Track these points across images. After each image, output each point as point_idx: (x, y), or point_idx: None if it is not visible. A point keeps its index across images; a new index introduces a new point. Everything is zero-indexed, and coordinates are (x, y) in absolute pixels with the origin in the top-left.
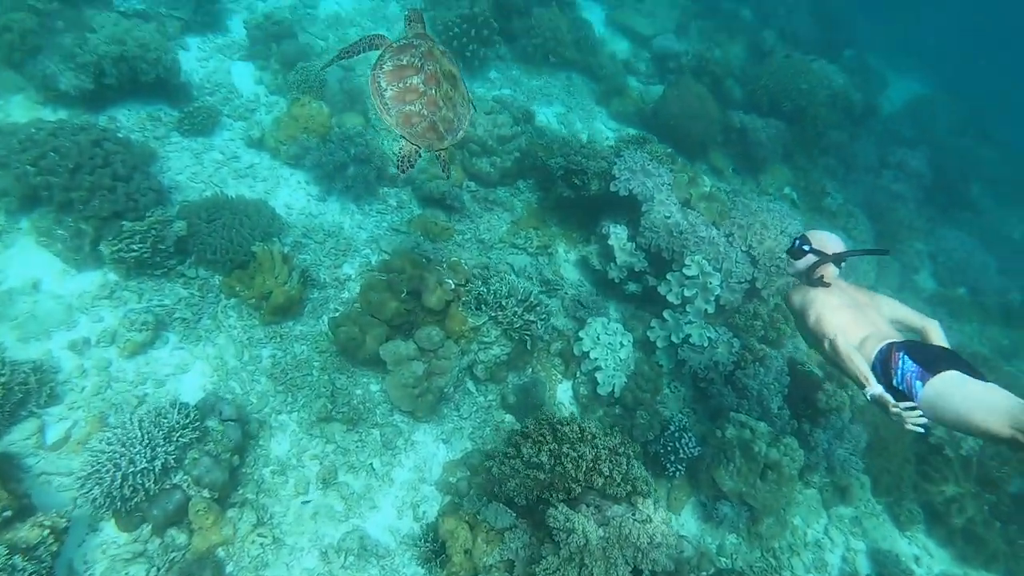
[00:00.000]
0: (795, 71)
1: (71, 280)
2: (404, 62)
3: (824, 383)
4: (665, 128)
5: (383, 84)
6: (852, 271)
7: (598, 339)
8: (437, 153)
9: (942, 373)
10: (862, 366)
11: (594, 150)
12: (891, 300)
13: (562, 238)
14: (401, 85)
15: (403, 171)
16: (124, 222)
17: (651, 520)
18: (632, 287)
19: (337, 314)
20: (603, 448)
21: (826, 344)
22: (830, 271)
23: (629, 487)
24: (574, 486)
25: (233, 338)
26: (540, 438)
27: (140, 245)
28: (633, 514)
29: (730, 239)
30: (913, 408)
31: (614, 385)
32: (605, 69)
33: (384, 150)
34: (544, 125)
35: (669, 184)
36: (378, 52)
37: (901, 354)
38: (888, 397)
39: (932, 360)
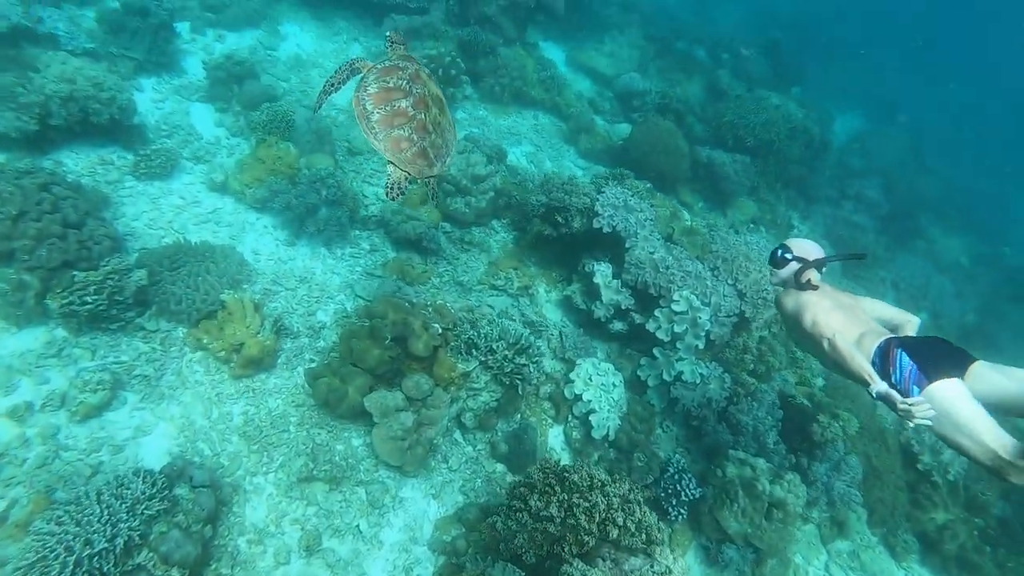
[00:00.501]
0: (757, 106)
1: (11, 339)
2: (391, 84)
3: (818, 415)
4: (635, 164)
5: (369, 107)
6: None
7: (590, 380)
8: (427, 180)
9: (939, 382)
10: (865, 364)
11: (575, 186)
12: (872, 300)
13: (541, 278)
14: (388, 108)
15: (392, 198)
16: (75, 272)
17: (671, 571)
18: (618, 325)
19: (314, 364)
20: (614, 496)
21: (825, 345)
22: (815, 276)
23: (644, 536)
24: (587, 538)
25: (200, 395)
26: (548, 488)
27: (95, 297)
28: (652, 566)
29: (715, 273)
30: (921, 402)
31: (608, 427)
32: (572, 108)
33: (356, 191)
34: (515, 164)
35: (651, 219)
36: (360, 75)
37: (899, 351)
38: (895, 394)
39: (930, 361)
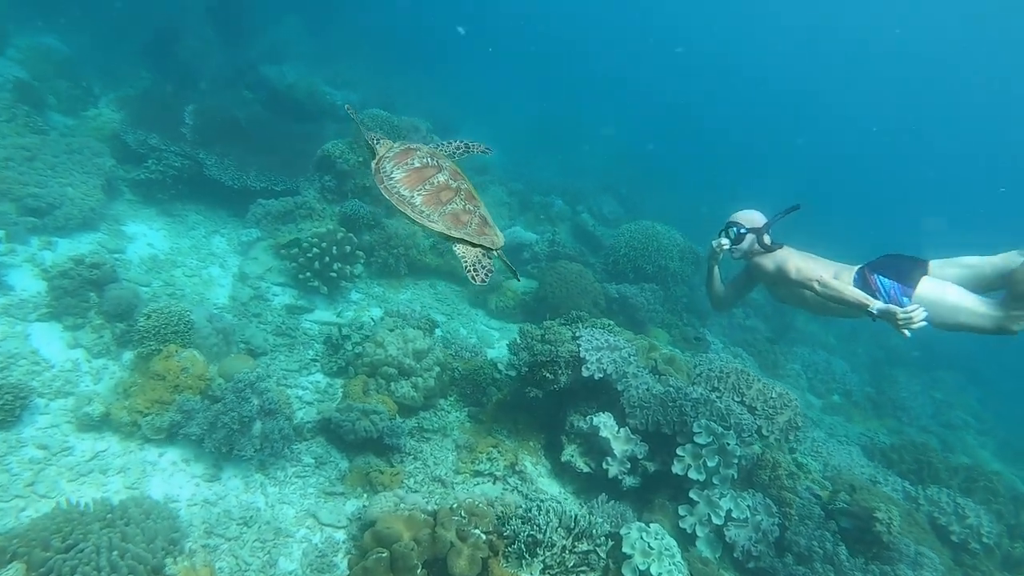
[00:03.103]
0: (646, 236)
1: None
2: (416, 164)
3: (875, 511)
4: (554, 311)
5: (405, 192)
6: None
7: (649, 548)
8: (497, 254)
9: (918, 285)
10: (857, 291)
11: (557, 333)
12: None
13: (521, 450)
14: (428, 187)
15: (483, 280)
16: None
17: None
18: (629, 481)
19: None
20: None
21: (816, 287)
22: (768, 238)
23: None
24: None
25: None
26: None
27: None
28: None
29: (719, 394)
30: (916, 307)
31: None
32: None
33: (289, 396)
34: (442, 335)
35: (635, 354)
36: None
37: (876, 276)
38: (894, 307)
39: (901, 272)
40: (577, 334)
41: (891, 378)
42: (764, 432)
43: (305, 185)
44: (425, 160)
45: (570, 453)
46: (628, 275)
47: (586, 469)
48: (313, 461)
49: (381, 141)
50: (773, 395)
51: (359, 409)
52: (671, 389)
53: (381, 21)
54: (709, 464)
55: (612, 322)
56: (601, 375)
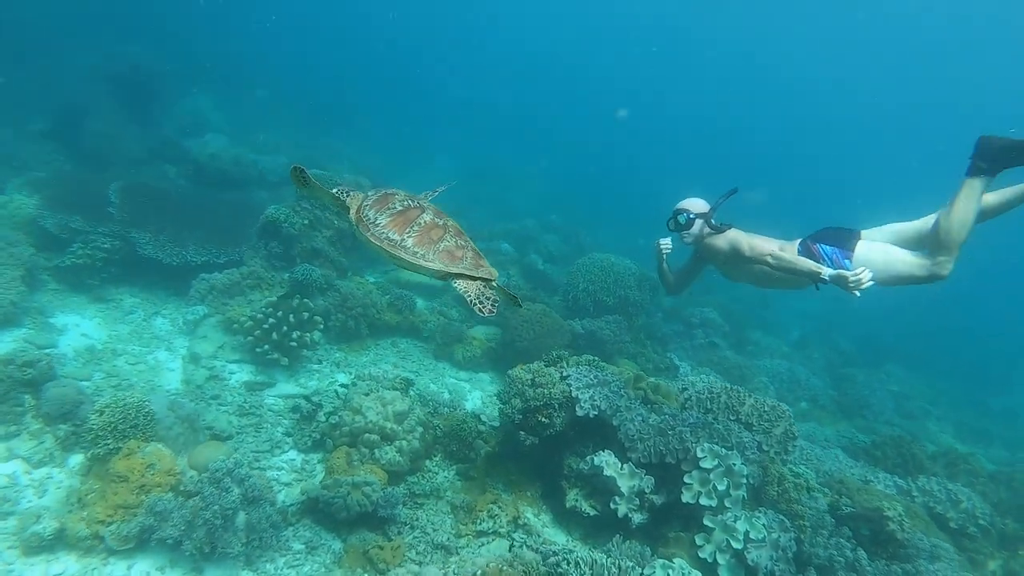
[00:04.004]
0: (602, 269)
1: None
2: (399, 207)
3: (884, 510)
4: (524, 353)
5: (395, 236)
6: None
7: None
8: (496, 285)
9: (856, 248)
10: (808, 261)
11: (547, 375)
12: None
13: (519, 502)
14: (417, 228)
15: (489, 311)
16: None
17: None
18: (638, 518)
19: None
20: None
21: (770, 260)
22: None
23: None
24: None
25: None
26: None
27: None
28: None
29: (713, 415)
30: (863, 269)
31: None
32: (429, 323)
33: (271, 478)
34: (418, 394)
35: (624, 386)
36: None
37: (818, 245)
38: (843, 271)
39: (839, 240)
40: (565, 373)
41: (850, 378)
42: (764, 447)
43: (250, 254)
44: (406, 203)
45: (574, 498)
46: (589, 309)
47: (592, 512)
48: (303, 547)
49: (351, 193)
50: (766, 408)
51: (348, 483)
52: (667, 417)
53: (300, 86)
54: (719, 488)
55: (595, 357)
56: (596, 412)
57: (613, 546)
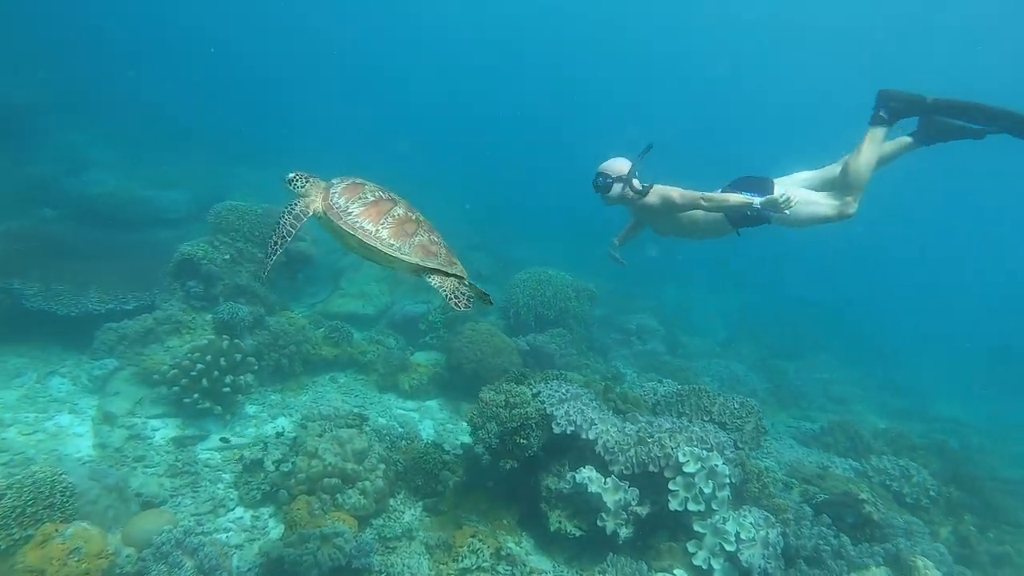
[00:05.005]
0: (540, 283)
1: None
2: (371, 198)
3: (859, 494)
4: (474, 376)
5: (369, 227)
6: None
7: None
8: (468, 283)
9: (772, 190)
10: (737, 195)
11: (519, 395)
12: None
13: (497, 532)
14: (391, 219)
15: (464, 306)
16: None
17: None
18: (624, 532)
19: None
20: None
21: (702, 202)
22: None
23: None
24: None
25: None
26: None
27: None
28: None
29: (688, 418)
30: (786, 193)
31: None
32: (369, 354)
33: (223, 540)
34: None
35: (594, 397)
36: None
37: (739, 191)
38: (773, 197)
39: (755, 187)
40: (536, 391)
41: (781, 370)
42: (739, 444)
43: (163, 297)
44: (378, 194)
45: (557, 520)
46: (531, 325)
47: (578, 532)
48: None
49: (310, 180)
50: (735, 406)
51: (317, 536)
52: (643, 424)
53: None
54: (705, 491)
55: (561, 371)
56: (572, 428)
57: (608, 566)
